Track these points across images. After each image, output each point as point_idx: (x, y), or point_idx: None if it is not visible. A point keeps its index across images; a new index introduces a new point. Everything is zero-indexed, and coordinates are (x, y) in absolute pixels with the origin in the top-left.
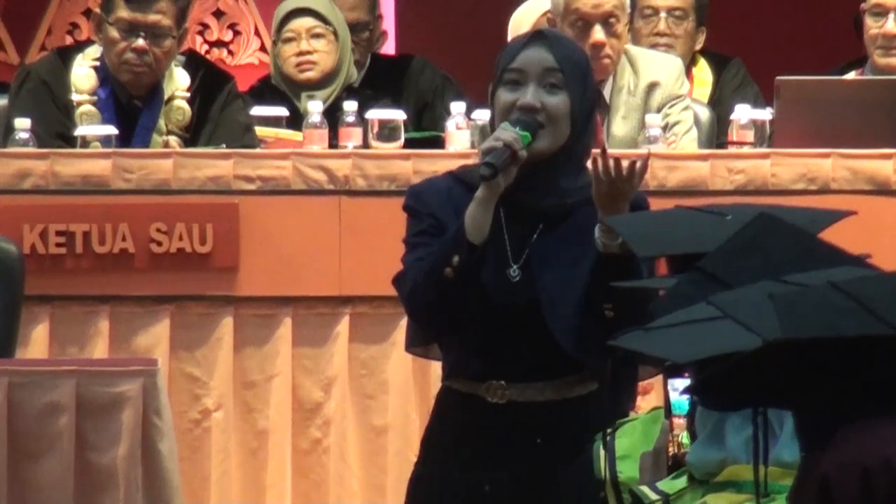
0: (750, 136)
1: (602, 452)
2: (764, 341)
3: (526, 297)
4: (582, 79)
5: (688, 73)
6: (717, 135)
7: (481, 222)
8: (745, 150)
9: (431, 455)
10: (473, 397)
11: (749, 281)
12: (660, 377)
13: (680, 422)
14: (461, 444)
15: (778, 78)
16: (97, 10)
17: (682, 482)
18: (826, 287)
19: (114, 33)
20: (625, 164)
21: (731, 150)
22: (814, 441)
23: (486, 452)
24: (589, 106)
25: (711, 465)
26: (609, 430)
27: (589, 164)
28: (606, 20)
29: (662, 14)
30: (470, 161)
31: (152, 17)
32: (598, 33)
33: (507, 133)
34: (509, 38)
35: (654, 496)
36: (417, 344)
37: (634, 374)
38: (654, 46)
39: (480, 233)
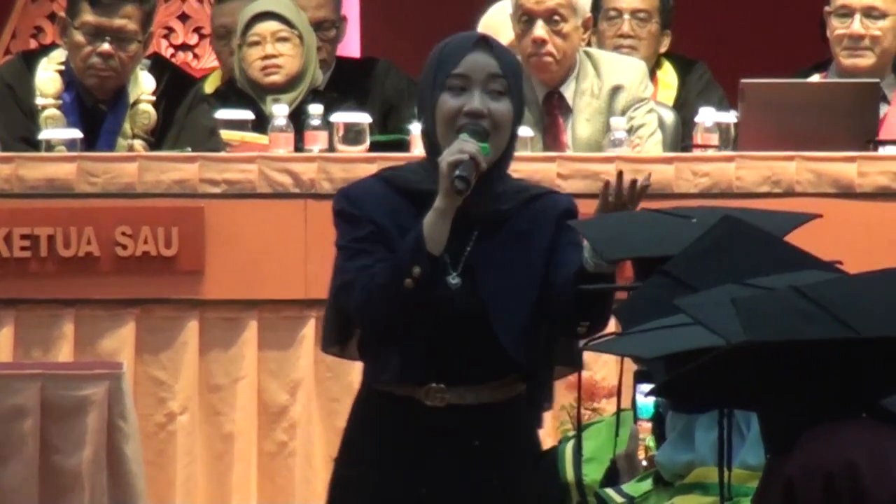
0: (714, 139)
1: (568, 455)
2: (728, 343)
3: (467, 304)
4: (520, 87)
5: (652, 76)
6: (681, 138)
7: (441, 233)
8: (710, 153)
9: (359, 457)
10: (409, 400)
11: (714, 284)
12: (629, 381)
13: (647, 426)
14: (396, 447)
15: (742, 81)
16: (62, 13)
17: (647, 485)
18: (788, 291)
19: (79, 37)
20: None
21: (696, 153)
22: (778, 444)
23: (423, 455)
24: (521, 115)
25: (679, 466)
26: (576, 433)
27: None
28: (550, 17)
29: (626, 16)
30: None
31: (118, 22)
32: (538, 29)
33: (470, 145)
34: None
35: (619, 499)
36: (333, 344)
37: (551, 375)
38: (617, 48)
39: (440, 244)
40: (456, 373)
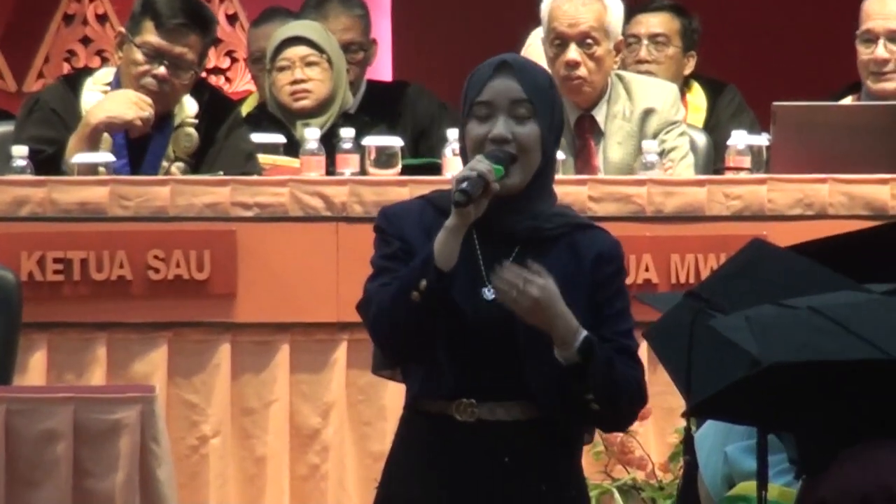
0: (746, 161)
1: None
2: (756, 363)
3: (499, 318)
4: (550, 106)
5: (681, 98)
6: (713, 161)
7: (451, 250)
8: (742, 175)
9: (396, 476)
10: (442, 417)
11: (746, 306)
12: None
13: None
14: (429, 465)
15: (774, 104)
16: (122, 28)
17: None
18: (805, 311)
19: (137, 55)
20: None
21: (728, 175)
22: (813, 466)
23: (454, 472)
24: (557, 132)
25: (742, 473)
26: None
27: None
28: (583, 40)
29: (644, 41)
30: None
31: (178, 49)
32: (571, 52)
33: (482, 164)
34: None
35: None
36: (384, 367)
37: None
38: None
39: (449, 260)
40: (486, 388)
